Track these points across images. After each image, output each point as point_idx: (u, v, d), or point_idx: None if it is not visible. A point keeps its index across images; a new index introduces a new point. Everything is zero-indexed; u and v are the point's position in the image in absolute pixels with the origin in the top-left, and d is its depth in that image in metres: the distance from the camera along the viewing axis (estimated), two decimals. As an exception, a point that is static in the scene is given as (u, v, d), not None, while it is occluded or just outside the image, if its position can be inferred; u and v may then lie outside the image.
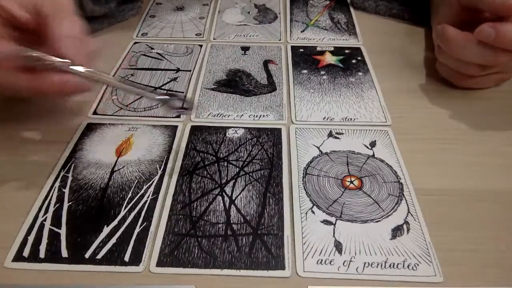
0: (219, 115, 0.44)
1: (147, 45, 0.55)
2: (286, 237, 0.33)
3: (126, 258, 0.31)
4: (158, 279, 0.30)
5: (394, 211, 0.35)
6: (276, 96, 0.47)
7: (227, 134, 0.42)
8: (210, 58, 0.53)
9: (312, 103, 0.46)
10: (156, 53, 0.54)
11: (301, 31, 0.58)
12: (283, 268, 0.31)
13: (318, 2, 0.66)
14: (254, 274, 0.30)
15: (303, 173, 0.38)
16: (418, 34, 0.57)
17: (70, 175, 0.37)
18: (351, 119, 0.44)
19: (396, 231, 0.33)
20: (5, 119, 0.43)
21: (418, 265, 0.31)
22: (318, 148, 0.40)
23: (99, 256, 0.31)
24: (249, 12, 0.63)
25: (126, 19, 0.60)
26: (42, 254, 0.31)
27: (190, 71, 0.51)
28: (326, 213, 0.34)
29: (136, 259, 0.31)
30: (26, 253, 0.31)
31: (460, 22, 0.45)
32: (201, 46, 0.55)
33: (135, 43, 0.56)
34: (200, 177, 0.37)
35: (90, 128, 0.42)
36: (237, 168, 0.38)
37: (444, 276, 0.30)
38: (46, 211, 0.34)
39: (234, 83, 0.49)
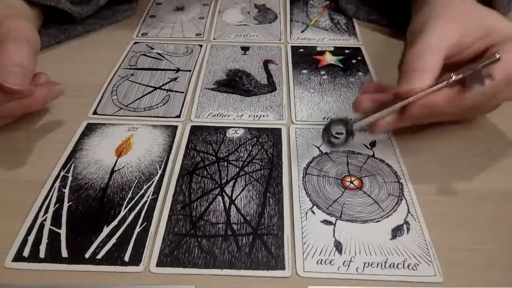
0: (219, 115, 0.44)
1: (147, 45, 0.55)
2: (286, 237, 0.33)
3: (126, 258, 0.31)
4: (158, 279, 0.30)
5: (394, 211, 0.35)
6: (276, 96, 0.47)
7: (227, 134, 0.42)
8: (210, 58, 0.53)
9: (312, 103, 0.46)
10: (156, 53, 0.54)
11: (301, 31, 0.58)
12: (283, 268, 0.31)
13: (318, 3, 0.66)
14: (254, 274, 0.30)
15: (303, 173, 0.38)
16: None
17: (70, 175, 0.37)
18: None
19: (396, 231, 0.33)
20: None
21: (418, 265, 0.31)
22: (318, 148, 0.40)
23: (99, 256, 0.31)
24: (249, 12, 0.63)
25: (120, 21, 0.60)
26: (42, 254, 0.31)
27: (190, 71, 0.51)
28: (326, 213, 0.34)
29: (136, 259, 0.31)
30: (26, 253, 0.31)
31: None
32: (201, 46, 0.55)
33: (135, 43, 0.56)
34: (200, 177, 0.37)
35: (90, 128, 0.42)
36: (237, 168, 0.38)
37: (444, 276, 0.30)
38: (46, 211, 0.34)
39: (234, 83, 0.49)
